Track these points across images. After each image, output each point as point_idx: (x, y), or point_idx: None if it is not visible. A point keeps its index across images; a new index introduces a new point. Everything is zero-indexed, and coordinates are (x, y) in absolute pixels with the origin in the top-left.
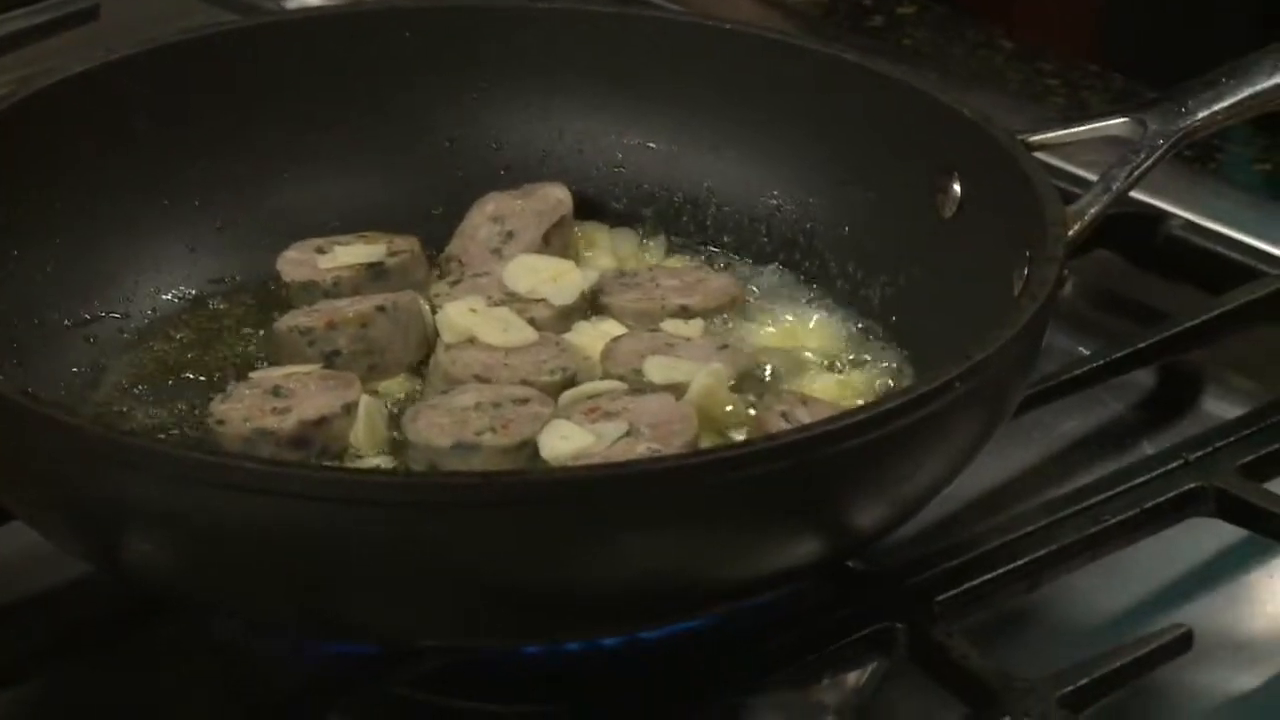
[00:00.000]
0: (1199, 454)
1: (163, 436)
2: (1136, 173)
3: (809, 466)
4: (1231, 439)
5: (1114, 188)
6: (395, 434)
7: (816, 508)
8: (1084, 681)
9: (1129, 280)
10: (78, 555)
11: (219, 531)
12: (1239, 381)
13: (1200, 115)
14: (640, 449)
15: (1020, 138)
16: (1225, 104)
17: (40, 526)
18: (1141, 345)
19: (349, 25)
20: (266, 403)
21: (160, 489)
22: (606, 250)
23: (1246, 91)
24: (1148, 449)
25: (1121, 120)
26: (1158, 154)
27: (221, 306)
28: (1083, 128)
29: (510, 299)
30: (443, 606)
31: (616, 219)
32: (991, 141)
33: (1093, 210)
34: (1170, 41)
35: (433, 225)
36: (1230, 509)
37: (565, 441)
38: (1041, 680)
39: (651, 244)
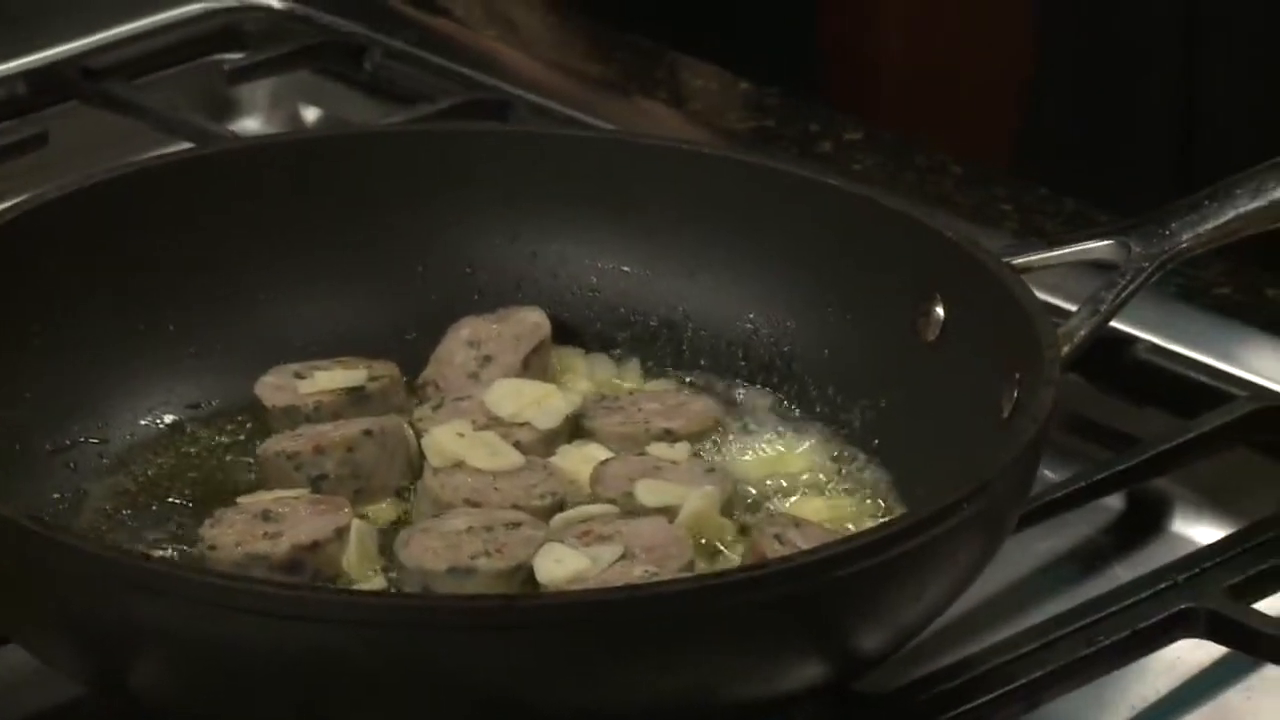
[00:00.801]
0: (1187, 575)
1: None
2: (1124, 295)
3: (820, 590)
4: (1218, 560)
5: (1102, 309)
6: (385, 559)
7: (824, 631)
8: None
9: (1097, 404)
10: (75, 676)
11: (224, 652)
12: (1206, 504)
13: (1185, 237)
14: (636, 572)
15: (1004, 260)
16: (1210, 226)
17: (38, 649)
18: (1116, 470)
19: (314, 150)
20: (257, 527)
21: (174, 611)
22: (583, 375)
23: (1231, 213)
24: (1119, 571)
25: (1105, 243)
26: (1143, 277)
27: (200, 432)
28: (1065, 250)
29: (494, 423)
30: None
31: (592, 343)
32: (976, 264)
33: (1082, 333)
34: (1089, 159)
35: (407, 349)
36: (1221, 630)
37: (560, 565)
38: None
39: (627, 368)
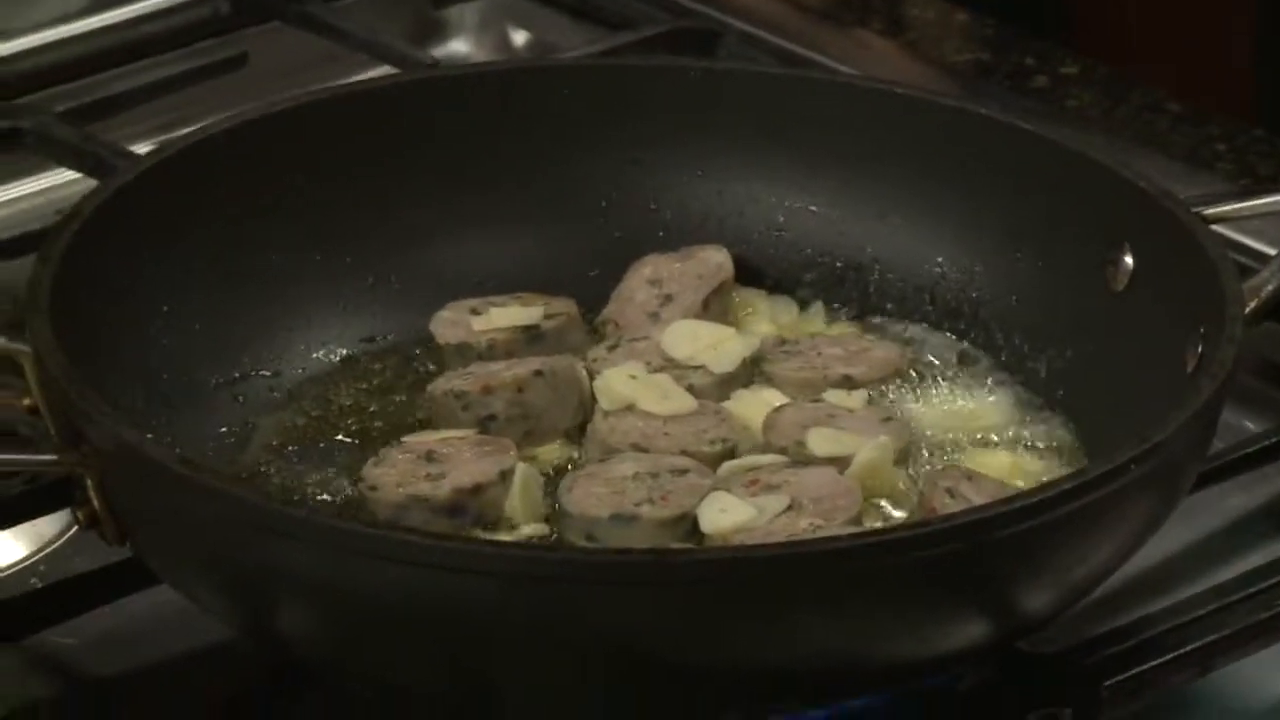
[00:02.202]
0: None
1: (324, 499)
2: None
3: (984, 548)
4: None
5: None
6: (552, 502)
7: (989, 590)
8: None
9: None
10: (226, 621)
11: (371, 602)
12: None
13: None
14: (802, 524)
15: (1195, 210)
16: None
17: (188, 591)
18: None
19: (505, 82)
20: (420, 468)
21: (314, 559)
22: (765, 317)
23: None
24: None
25: None
26: None
27: (374, 366)
28: (1259, 201)
29: (669, 365)
30: (600, 684)
31: (775, 285)
32: (1167, 214)
33: (1269, 287)
34: None
35: (588, 287)
36: None
37: (725, 515)
38: None
39: (810, 311)
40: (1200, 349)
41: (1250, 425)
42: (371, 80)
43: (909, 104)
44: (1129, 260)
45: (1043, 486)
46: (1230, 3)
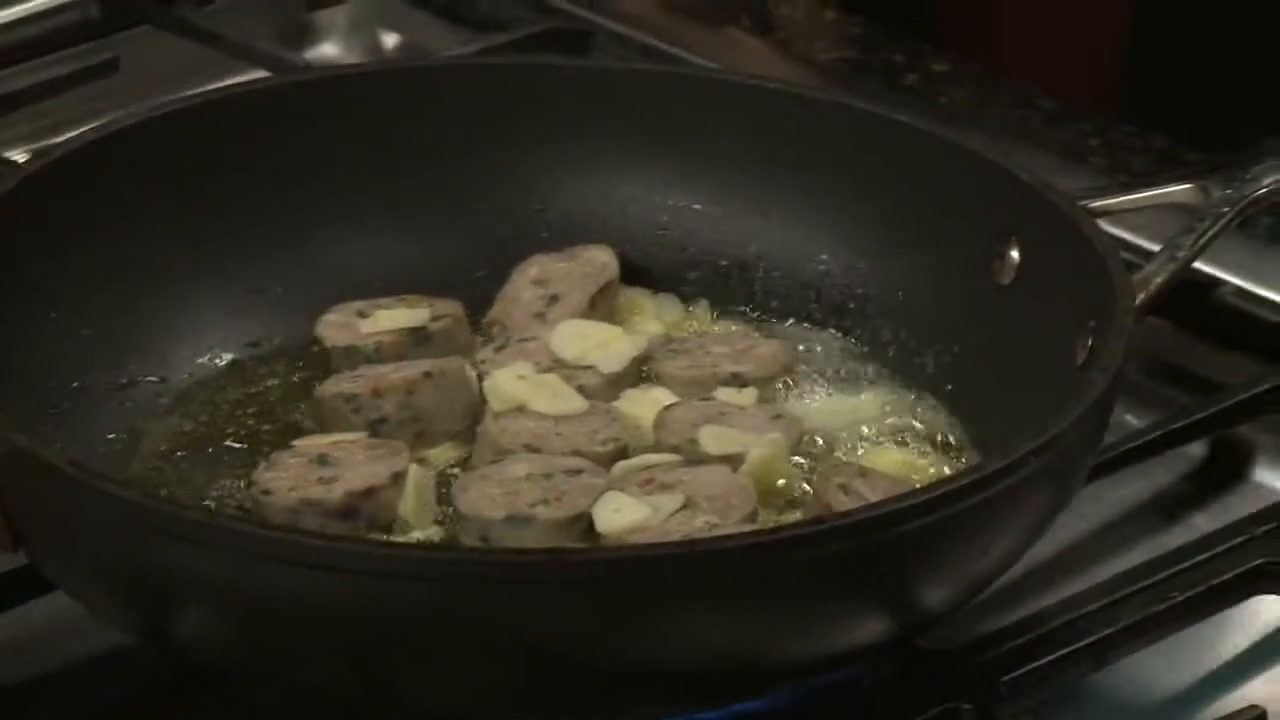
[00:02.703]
0: (1265, 529)
1: (208, 504)
2: (1202, 241)
3: (884, 545)
4: None
5: (1179, 256)
6: (444, 505)
7: (889, 586)
8: None
9: (1181, 349)
10: (122, 628)
11: (270, 605)
12: None
13: (1266, 181)
14: (698, 522)
15: (1081, 203)
16: None
17: (84, 598)
18: (1198, 416)
19: (382, 83)
20: (312, 472)
21: (215, 562)
22: (651, 316)
23: None
24: (1201, 522)
25: (1184, 186)
26: (1223, 221)
27: (260, 371)
28: (1144, 194)
29: (558, 366)
30: (500, 683)
31: (660, 284)
32: (1052, 207)
33: (1158, 280)
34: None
35: (475, 288)
36: None
37: (619, 514)
38: None
39: (696, 310)
40: (1090, 342)
41: (1133, 420)
42: (245, 84)
43: (789, 100)
44: (1015, 254)
45: (942, 481)
46: None
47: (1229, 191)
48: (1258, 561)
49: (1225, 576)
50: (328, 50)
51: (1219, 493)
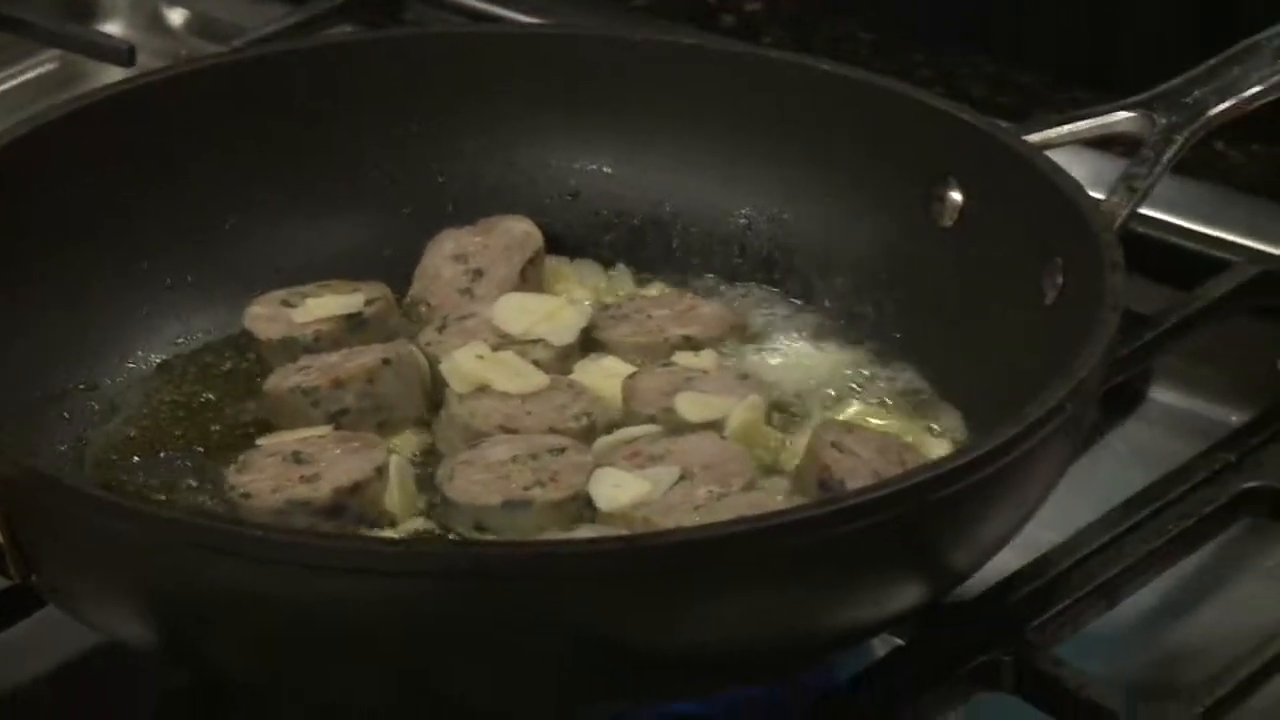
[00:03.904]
0: (1238, 453)
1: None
2: (1157, 169)
3: (935, 505)
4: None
5: (1140, 187)
6: (423, 493)
7: (936, 546)
8: (1221, 693)
9: None
10: (141, 646)
11: (307, 612)
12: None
13: (1213, 105)
14: (700, 493)
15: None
16: (1238, 96)
17: (99, 620)
18: (1129, 350)
19: (270, 68)
20: (292, 470)
21: (273, 577)
22: (575, 282)
23: (1256, 80)
24: (1113, 441)
25: (1128, 115)
26: (1174, 149)
27: (190, 369)
28: (1084, 124)
29: (505, 342)
30: (554, 675)
31: (577, 250)
32: (996, 143)
33: (1123, 213)
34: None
35: (386, 267)
36: None
37: (620, 490)
38: (1175, 700)
39: (617, 272)
40: (1061, 280)
41: None
42: (134, 79)
43: (691, 53)
44: (956, 195)
45: (988, 436)
46: None
47: (1176, 118)
48: (1245, 486)
49: (1214, 505)
50: (112, 28)
51: (1124, 415)
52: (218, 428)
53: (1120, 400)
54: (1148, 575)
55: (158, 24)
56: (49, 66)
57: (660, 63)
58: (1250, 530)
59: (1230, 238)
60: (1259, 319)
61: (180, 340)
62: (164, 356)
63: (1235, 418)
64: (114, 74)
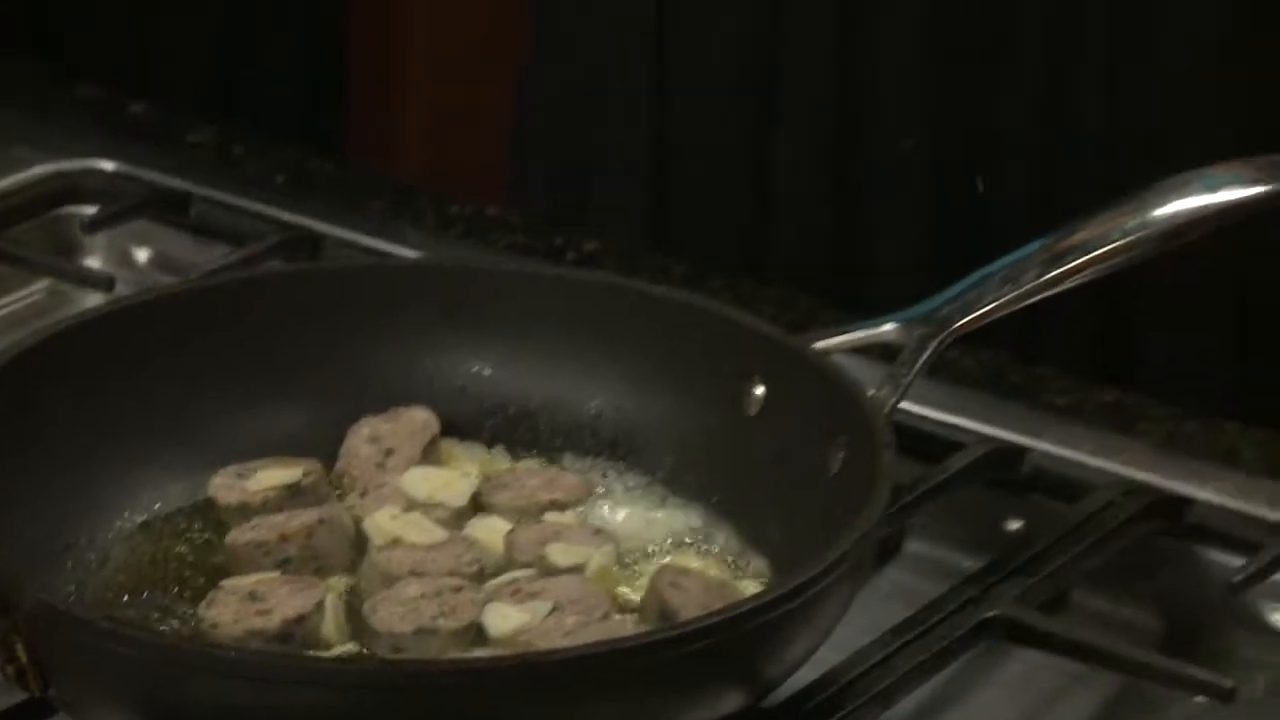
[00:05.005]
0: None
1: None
2: (915, 370)
3: (749, 632)
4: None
5: (903, 383)
6: (353, 624)
7: (750, 663)
8: None
9: None
10: None
11: (270, 714)
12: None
13: (956, 321)
14: (569, 622)
15: (814, 346)
16: (976, 313)
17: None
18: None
19: (222, 290)
20: (249, 606)
21: (249, 691)
22: (465, 460)
23: (990, 301)
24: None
25: (892, 326)
26: (928, 354)
27: (166, 528)
28: (858, 334)
29: (413, 505)
30: None
31: (465, 434)
32: (790, 350)
33: (890, 403)
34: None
35: (317, 448)
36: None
37: (506, 620)
38: None
39: (495, 453)
40: (843, 455)
41: None
42: (114, 303)
43: (544, 280)
44: (759, 390)
45: (798, 573)
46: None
47: (928, 330)
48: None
49: (959, 631)
50: (91, 264)
51: (887, 562)
52: (189, 573)
53: (884, 550)
54: (912, 685)
55: (128, 260)
56: (36, 298)
57: (526, 288)
58: (989, 650)
59: (966, 424)
60: (989, 488)
61: (158, 505)
62: (144, 518)
63: (970, 563)
64: (93, 299)
